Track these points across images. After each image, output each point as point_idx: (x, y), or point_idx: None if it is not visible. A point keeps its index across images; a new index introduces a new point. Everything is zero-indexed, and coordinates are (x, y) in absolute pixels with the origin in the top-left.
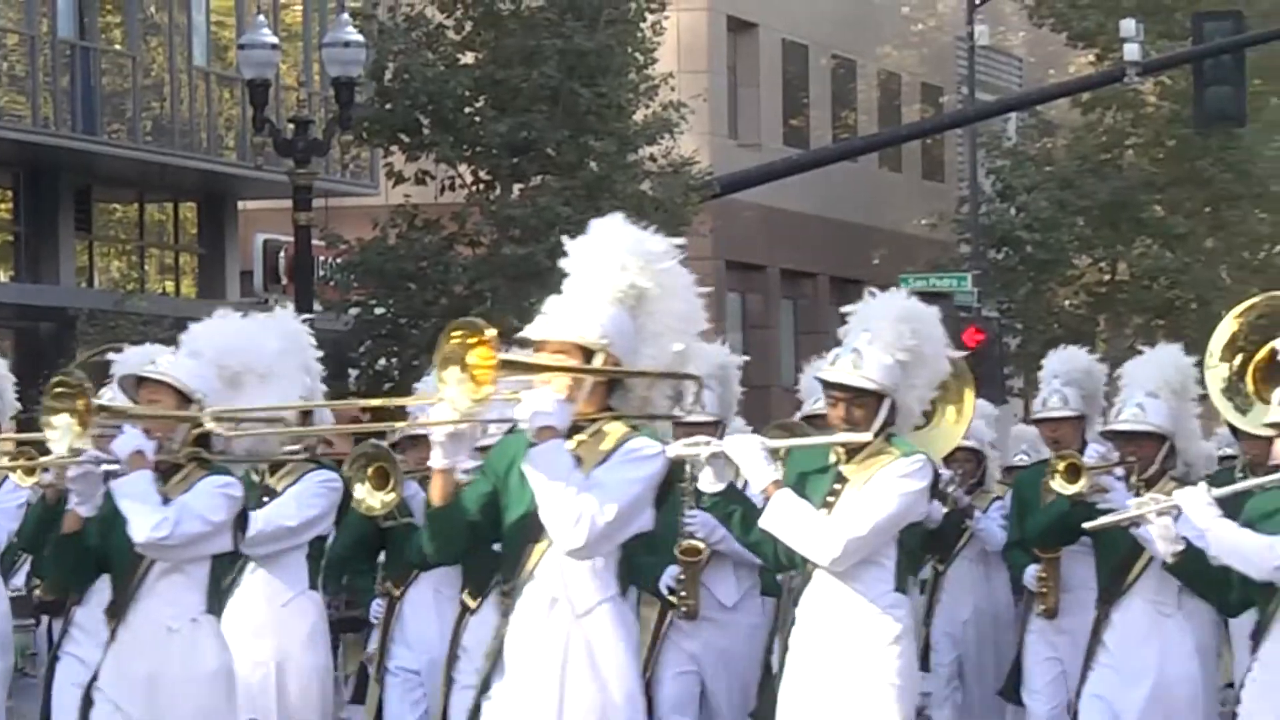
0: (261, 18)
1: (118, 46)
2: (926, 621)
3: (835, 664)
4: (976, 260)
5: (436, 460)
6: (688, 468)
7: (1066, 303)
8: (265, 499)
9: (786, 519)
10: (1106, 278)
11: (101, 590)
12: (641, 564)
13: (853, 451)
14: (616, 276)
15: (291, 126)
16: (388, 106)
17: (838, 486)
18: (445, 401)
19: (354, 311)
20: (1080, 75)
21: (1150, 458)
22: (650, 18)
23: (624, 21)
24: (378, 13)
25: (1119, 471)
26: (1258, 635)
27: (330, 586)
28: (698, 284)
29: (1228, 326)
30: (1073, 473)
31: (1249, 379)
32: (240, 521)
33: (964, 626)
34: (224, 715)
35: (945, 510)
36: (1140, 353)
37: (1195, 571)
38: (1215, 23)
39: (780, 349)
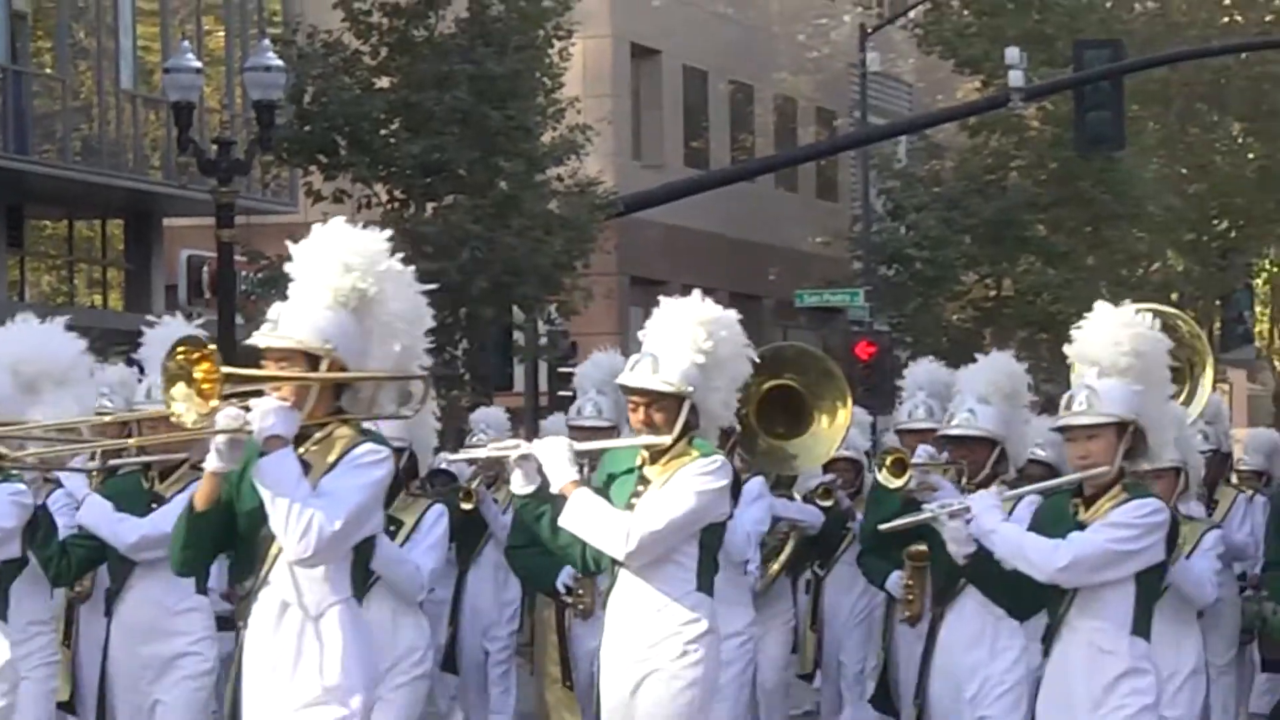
0: (186, 43)
1: (48, 70)
2: (812, 625)
3: (639, 663)
4: (868, 276)
5: (212, 464)
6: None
7: (954, 317)
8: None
9: (583, 516)
10: (992, 293)
11: None
12: (538, 565)
13: (656, 454)
14: (338, 280)
15: (214, 147)
16: (306, 128)
17: (640, 488)
18: (174, 417)
19: None
20: (967, 100)
21: (981, 461)
22: (557, 44)
23: (532, 48)
24: (297, 39)
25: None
26: (1048, 639)
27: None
28: (603, 297)
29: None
30: (898, 467)
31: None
32: (30, 529)
33: (844, 629)
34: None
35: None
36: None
37: (987, 573)
38: (1095, 50)
39: None
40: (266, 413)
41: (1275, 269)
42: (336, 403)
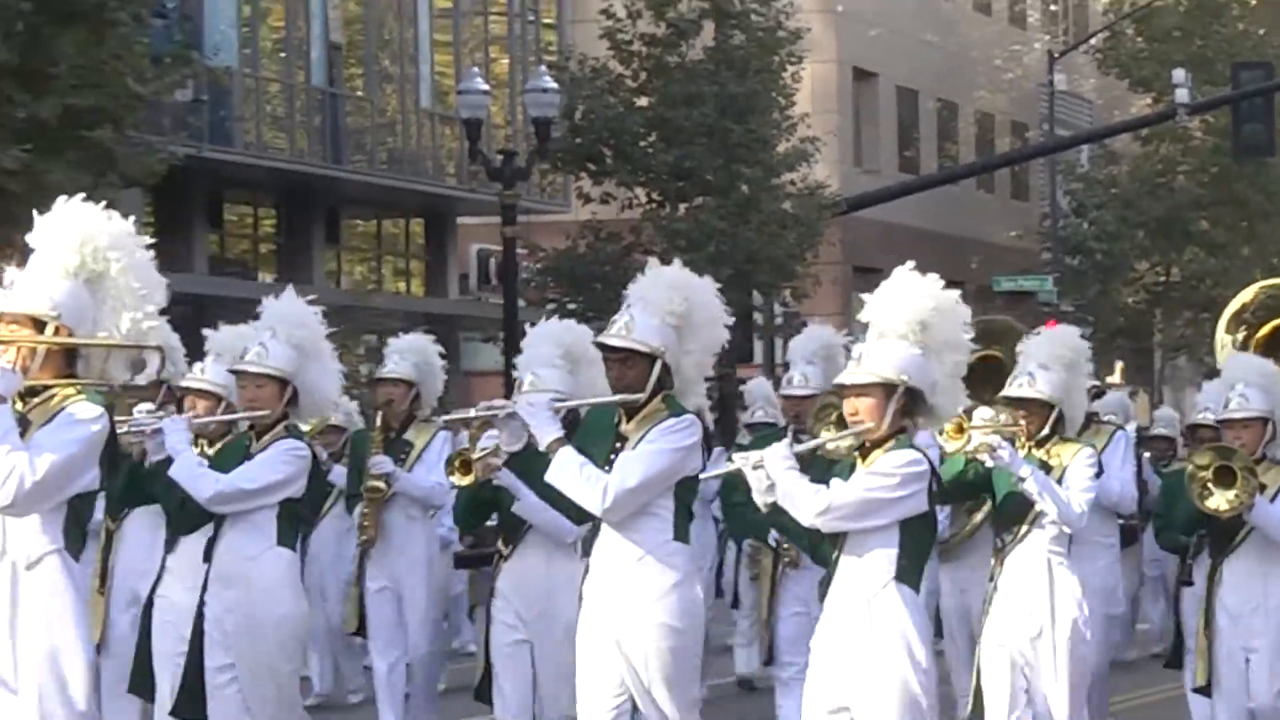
0: (475, 69)
1: (359, 93)
2: None
3: (619, 609)
4: (1056, 265)
5: None
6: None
7: (1129, 300)
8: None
9: (565, 473)
10: (1161, 279)
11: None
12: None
13: (631, 411)
14: (70, 254)
15: (500, 157)
16: (577, 141)
17: (618, 445)
18: None
19: (550, 307)
20: (1140, 115)
21: (1040, 423)
22: (790, 69)
23: (768, 71)
24: (569, 65)
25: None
26: (823, 584)
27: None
28: (829, 283)
29: (1235, 304)
30: (958, 430)
31: (1253, 351)
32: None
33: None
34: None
35: None
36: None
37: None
38: (1250, 71)
39: None
40: None
41: None
42: (67, 369)
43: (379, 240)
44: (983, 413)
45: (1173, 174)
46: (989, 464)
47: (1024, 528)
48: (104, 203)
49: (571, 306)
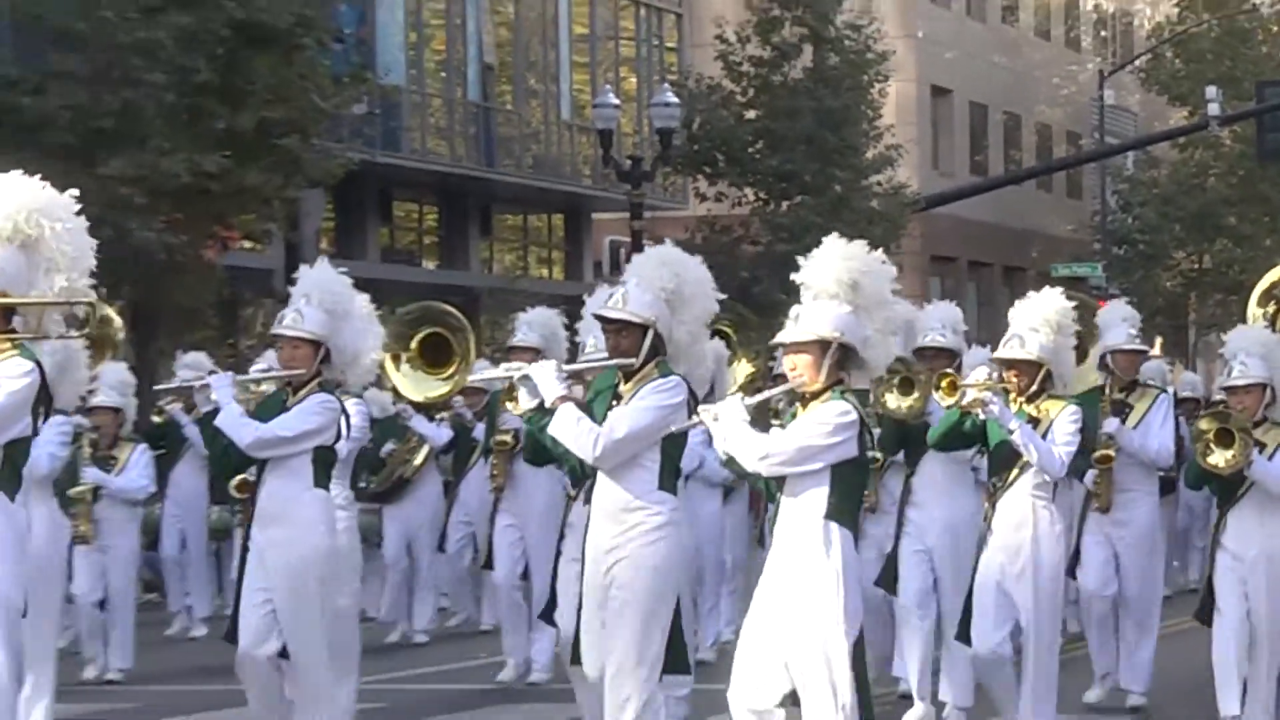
0: (608, 86)
1: (509, 106)
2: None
3: (611, 550)
4: (1104, 254)
5: None
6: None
7: (1167, 284)
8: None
9: (564, 426)
10: (1195, 267)
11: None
12: None
13: (628, 375)
14: (6, 221)
15: (629, 162)
16: (695, 148)
17: (614, 403)
18: None
19: None
20: (1177, 126)
21: (1029, 379)
22: (877, 86)
23: (859, 89)
24: (688, 83)
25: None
26: (772, 522)
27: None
28: (911, 270)
29: (1266, 281)
30: (951, 387)
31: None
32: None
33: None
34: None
35: None
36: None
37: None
38: (1273, 88)
39: (966, 318)
40: None
41: None
42: (8, 325)
43: (525, 233)
44: (978, 373)
45: (1205, 176)
46: (982, 417)
47: (1014, 473)
48: (293, 200)
49: None
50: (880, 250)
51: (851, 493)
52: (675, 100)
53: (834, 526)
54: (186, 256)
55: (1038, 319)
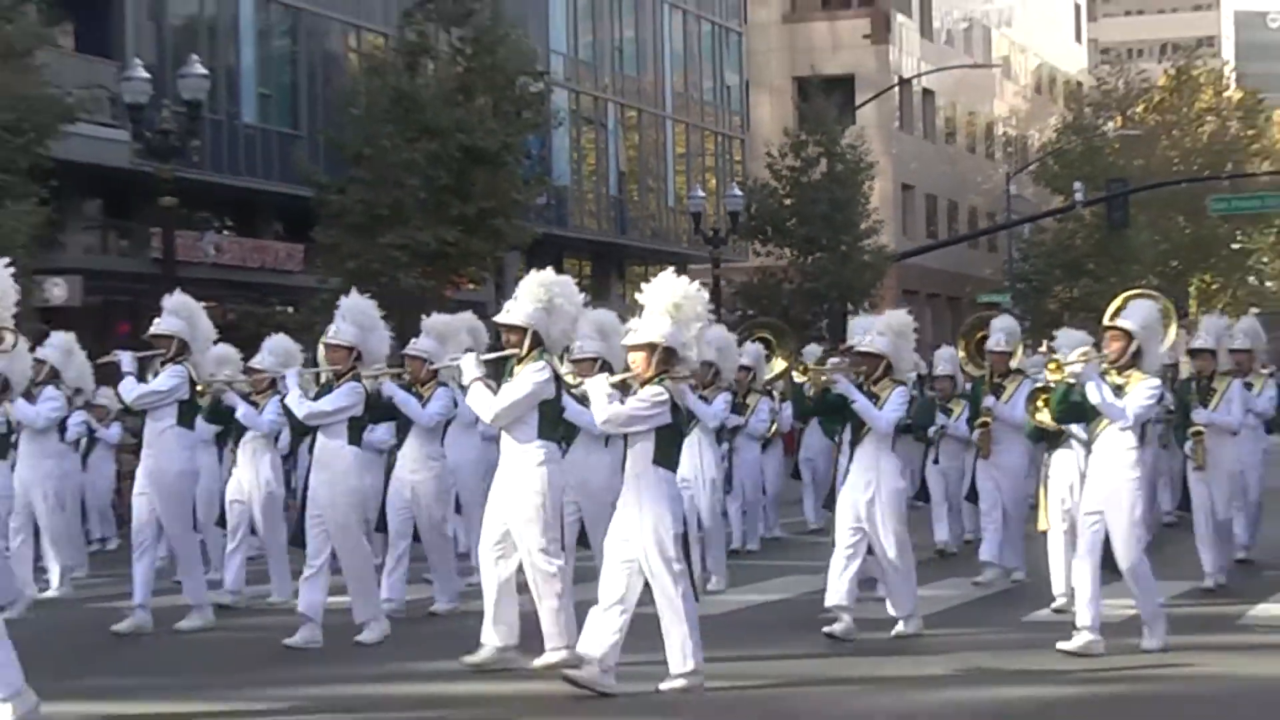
0: (698, 185)
1: (635, 198)
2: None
3: (507, 481)
4: (1011, 288)
5: None
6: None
7: (1051, 308)
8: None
9: (474, 398)
10: (1070, 296)
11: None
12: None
13: (519, 361)
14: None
15: (711, 232)
16: (753, 223)
17: (507, 380)
18: None
19: (737, 314)
20: (1056, 207)
21: (873, 370)
22: (867, 184)
23: (856, 185)
24: (749, 183)
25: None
26: (623, 465)
27: None
28: (889, 300)
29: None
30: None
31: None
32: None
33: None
34: None
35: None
36: None
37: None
38: (1116, 183)
39: (923, 331)
40: None
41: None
42: None
43: (646, 279)
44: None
45: (1074, 239)
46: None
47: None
48: (499, 259)
49: (750, 313)
50: (865, 297)
51: (669, 445)
52: (740, 194)
53: (660, 470)
54: (433, 294)
55: (881, 324)
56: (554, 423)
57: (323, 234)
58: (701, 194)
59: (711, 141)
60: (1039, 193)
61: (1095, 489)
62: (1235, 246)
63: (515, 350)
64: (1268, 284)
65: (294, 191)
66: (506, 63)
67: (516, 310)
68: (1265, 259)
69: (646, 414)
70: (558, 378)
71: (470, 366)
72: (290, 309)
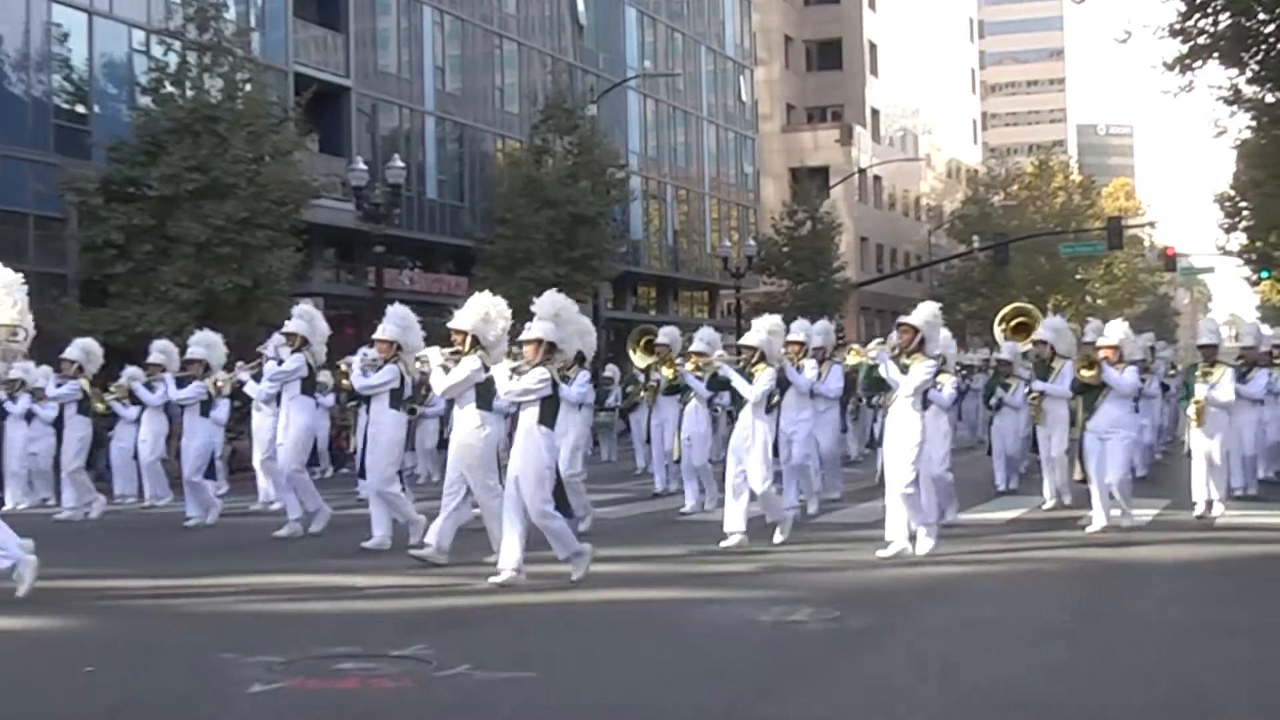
0: (726, 239)
1: (684, 246)
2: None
3: (462, 434)
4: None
5: None
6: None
7: (957, 317)
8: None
9: (435, 378)
10: (972, 310)
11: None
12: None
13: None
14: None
15: (735, 269)
16: (763, 264)
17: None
18: None
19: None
20: (962, 253)
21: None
22: (837, 238)
23: (830, 238)
24: (759, 238)
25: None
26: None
27: None
28: (853, 316)
29: (999, 317)
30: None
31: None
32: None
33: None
34: None
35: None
36: None
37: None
38: (1001, 236)
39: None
40: None
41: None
42: None
43: (692, 300)
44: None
45: (973, 272)
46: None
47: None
48: (596, 287)
49: None
50: (836, 312)
51: (551, 412)
52: (754, 244)
53: (542, 429)
54: None
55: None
56: (488, 397)
57: (479, 271)
58: (728, 244)
59: (734, 210)
60: (950, 242)
61: (886, 440)
62: (1078, 277)
63: (460, 348)
64: (1099, 301)
65: (460, 243)
66: (601, 158)
67: (460, 318)
68: (1097, 285)
69: (534, 388)
70: (486, 366)
71: (435, 356)
72: None
